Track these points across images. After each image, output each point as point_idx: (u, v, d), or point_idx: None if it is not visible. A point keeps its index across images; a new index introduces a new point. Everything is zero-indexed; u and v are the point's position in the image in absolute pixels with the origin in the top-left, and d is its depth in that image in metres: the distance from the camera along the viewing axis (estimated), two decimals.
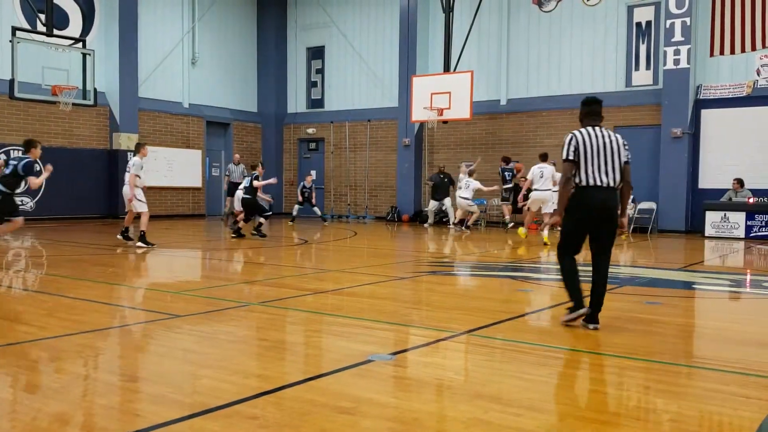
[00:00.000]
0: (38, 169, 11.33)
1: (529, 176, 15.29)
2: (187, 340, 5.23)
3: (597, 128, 5.68)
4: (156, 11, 22.08)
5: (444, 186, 19.54)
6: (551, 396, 3.86)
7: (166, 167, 22.09)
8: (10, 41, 15.96)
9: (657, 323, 6.06)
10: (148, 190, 21.29)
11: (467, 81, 18.80)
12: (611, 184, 5.58)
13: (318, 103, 25.36)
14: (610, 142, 5.62)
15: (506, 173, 18.41)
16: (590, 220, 5.61)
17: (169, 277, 9.53)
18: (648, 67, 18.72)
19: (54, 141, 19.28)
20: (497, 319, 5.99)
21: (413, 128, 22.01)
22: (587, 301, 5.70)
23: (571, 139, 5.64)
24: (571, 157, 5.58)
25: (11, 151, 17.98)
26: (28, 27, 17.69)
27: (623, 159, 5.68)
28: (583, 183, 5.56)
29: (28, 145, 10.50)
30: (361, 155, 23.99)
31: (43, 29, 16.77)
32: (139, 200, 12.32)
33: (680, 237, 16.93)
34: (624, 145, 5.72)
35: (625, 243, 15.21)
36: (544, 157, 15.24)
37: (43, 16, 16.89)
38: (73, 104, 17.13)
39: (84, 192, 19.72)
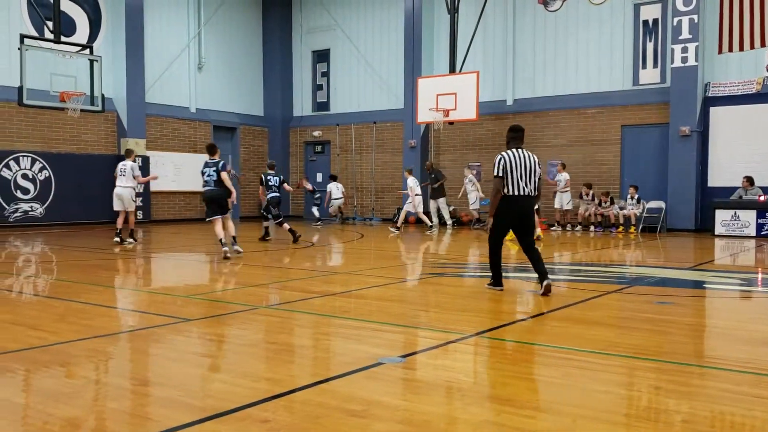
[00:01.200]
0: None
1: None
2: (197, 344, 5.24)
3: (520, 150, 7.50)
4: (162, 17, 22.17)
5: (435, 184, 19.38)
6: (563, 397, 3.84)
7: (174, 172, 22.18)
8: (19, 49, 16.07)
9: (668, 323, 6.03)
10: (156, 195, 21.61)
11: (473, 82, 18.79)
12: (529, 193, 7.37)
13: (324, 106, 25.39)
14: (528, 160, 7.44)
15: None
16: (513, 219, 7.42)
17: (178, 281, 9.55)
18: (655, 66, 18.66)
19: (62, 147, 19.38)
20: (507, 321, 5.98)
21: (419, 130, 22.01)
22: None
23: (500, 160, 7.38)
24: (500, 174, 7.32)
25: (21, 158, 18.08)
26: (35, 34, 17.79)
27: (537, 175, 7.45)
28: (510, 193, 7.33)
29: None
30: (366, 157, 24.00)
31: (51, 36, 16.86)
32: (133, 200, 13.99)
33: (690, 236, 16.85)
34: (537, 163, 7.52)
35: (633, 242, 15.16)
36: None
37: (50, 24, 16.97)
38: (81, 110, 17.25)
39: (92, 197, 19.78)
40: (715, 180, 17.79)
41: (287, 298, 7.52)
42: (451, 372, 4.48)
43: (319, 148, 25.38)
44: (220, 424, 3.34)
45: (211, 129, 23.69)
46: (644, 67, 18.84)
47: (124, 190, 13.58)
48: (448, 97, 19.06)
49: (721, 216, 16.55)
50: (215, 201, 11.26)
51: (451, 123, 19.87)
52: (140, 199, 20.63)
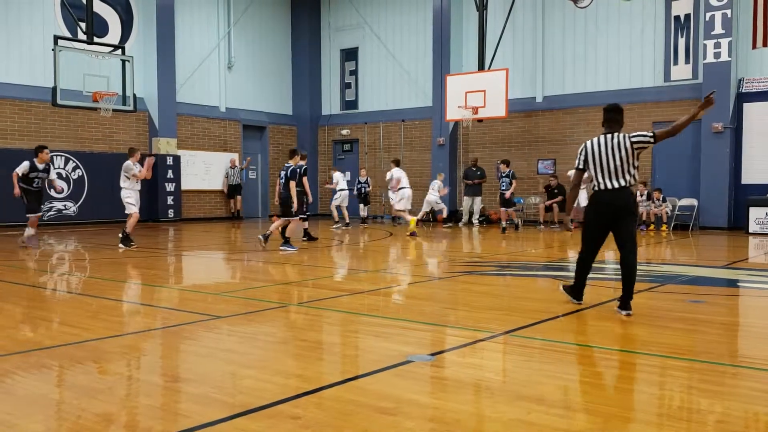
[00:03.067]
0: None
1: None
2: (228, 341, 5.29)
3: (609, 135, 6.25)
4: (192, 17, 22.39)
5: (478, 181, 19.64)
6: (594, 396, 3.81)
7: (204, 171, 22.42)
8: (53, 50, 16.35)
9: (701, 322, 5.94)
10: (186, 194, 21.84)
11: (502, 79, 18.69)
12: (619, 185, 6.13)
13: (352, 104, 25.43)
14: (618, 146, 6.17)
15: (504, 176, 17.98)
16: (603, 219, 6.23)
17: (209, 278, 9.65)
18: (687, 62, 18.38)
19: (95, 146, 19.68)
20: (536, 320, 5.94)
21: (447, 127, 21.94)
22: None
23: (581, 149, 6.38)
24: (580, 166, 6.37)
25: (54, 157, 18.40)
26: (69, 35, 18.08)
27: (631, 162, 6.16)
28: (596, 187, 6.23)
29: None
30: (395, 155, 23.99)
31: (84, 37, 17.13)
32: (128, 201, 12.38)
33: (722, 234, 16.59)
34: (632, 147, 6.17)
35: (665, 240, 14.96)
36: None
37: (83, 25, 17.24)
38: (114, 110, 17.49)
39: (119, 199, 20.06)
40: (749, 177, 17.47)
41: (316, 295, 7.55)
42: (480, 370, 4.46)
43: (347, 147, 25.44)
44: (251, 421, 3.37)
45: (241, 128, 23.88)
46: (676, 63, 18.57)
47: (120, 191, 12.46)
48: (477, 95, 18.97)
49: (756, 214, 16.25)
50: (282, 202, 12.37)
51: (480, 121, 19.78)
52: (171, 198, 20.90)
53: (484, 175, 19.68)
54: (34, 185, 12.34)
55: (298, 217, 12.34)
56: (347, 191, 18.81)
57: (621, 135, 6.22)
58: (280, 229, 12.46)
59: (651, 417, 3.52)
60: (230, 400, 3.72)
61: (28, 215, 12.42)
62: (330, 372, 4.44)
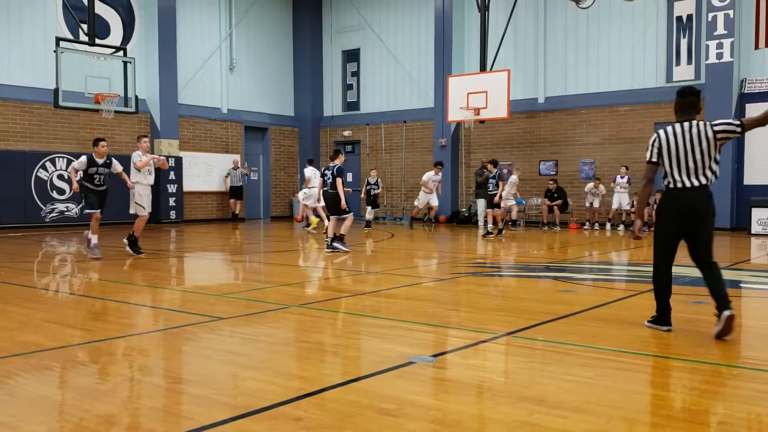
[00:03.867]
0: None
1: None
2: (230, 342, 5.29)
3: (687, 124, 5.35)
4: (194, 19, 22.42)
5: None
6: (596, 398, 3.80)
7: (206, 172, 22.44)
8: (54, 51, 16.37)
9: (703, 323, 5.93)
10: (188, 195, 21.85)
11: (504, 80, 18.68)
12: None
13: (354, 105, 25.45)
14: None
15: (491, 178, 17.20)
16: (679, 222, 5.37)
17: (210, 280, 9.64)
18: (689, 62, 18.37)
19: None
20: (539, 321, 5.93)
21: (449, 128, 21.95)
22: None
23: (654, 140, 5.49)
24: (653, 159, 5.45)
25: (56, 159, 18.41)
26: (71, 37, 18.11)
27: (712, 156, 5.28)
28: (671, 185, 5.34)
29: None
30: (397, 157, 24.00)
31: (86, 39, 17.14)
32: (135, 201, 11.38)
33: (725, 234, 16.55)
34: (714, 137, 5.27)
35: None
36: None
37: (85, 26, 17.26)
38: (115, 112, 17.50)
39: (127, 197, 20.07)
40: (751, 178, 17.45)
41: (318, 297, 7.55)
42: (482, 372, 4.46)
43: (349, 148, 25.44)
44: (253, 422, 3.37)
45: (243, 129, 23.91)
46: (678, 63, 18.56)
47: (130, 192, 11.40)
48: (479, 96, 18.98)
49: (758, 214, 16.23)
50: (330, 201, 12.46)
51: (482, 122, 19.78)
52: (173, 199, 20.91)
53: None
54: (96, 182, 11.01)
55: (350, 214, 12.41)
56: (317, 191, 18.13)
57: (701, 123, 5.32)
58: (333, 227, 12.36)
59: (653, 418, 3.51)
60: (232, 402, 3.72)
61: (88, 212, 11.23)
62: (332, 373, 4.44)
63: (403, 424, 3.35)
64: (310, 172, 17.25)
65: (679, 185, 5.27)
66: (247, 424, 3.35)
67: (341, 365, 4.73)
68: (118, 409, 3.62)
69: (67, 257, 12.10)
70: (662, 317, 5.53)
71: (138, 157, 11.26)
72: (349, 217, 12.34)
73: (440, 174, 18.42)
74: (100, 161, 11.03)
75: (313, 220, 16.92)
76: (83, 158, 11.01)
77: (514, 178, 18.75)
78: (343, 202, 12.19)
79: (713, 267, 5.33)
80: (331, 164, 12.66)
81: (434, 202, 18.29)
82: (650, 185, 5.58)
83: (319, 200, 15.59)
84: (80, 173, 11.04)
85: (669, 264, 5.50)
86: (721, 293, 5.19)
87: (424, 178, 18.14)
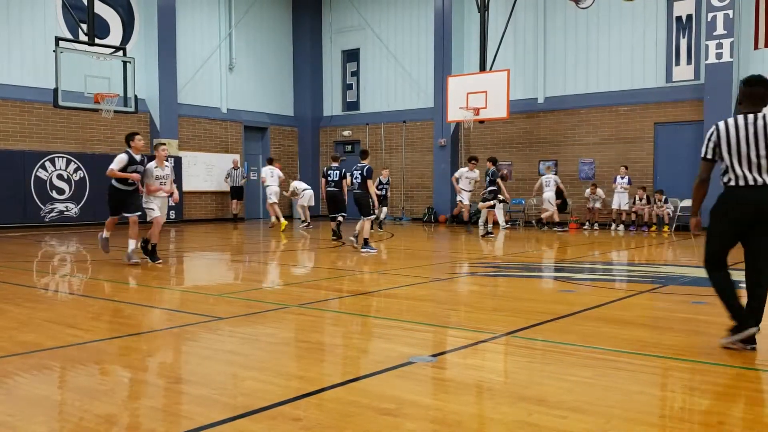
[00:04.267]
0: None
1: None
2: (229, 342, 5.28)
3: (751, 117, 4.78)
4: (193, 18, 22.42)
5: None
6: (596, 398, 3.80)
7: (206, 172, 22.44)
8: (54, 51, 16.36)
9: (703, 323, 5.93)
10: (188, 195, 21.84)
11: (504, 80, 18.69)
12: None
13: (353, 105, 25.45)
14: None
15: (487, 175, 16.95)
16: (738, 224, 4.88)
17: (210, 280, 9.64)
18: (689, 62, 18.37)
19: (97, 147, 19.69)
20: (538, 321, 5.93)
21: (449, 128, 21.95)
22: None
23: (711, 133, 4.95)
24: (708, 155, 4.99)
25: (56, 159, 18.40)
26: (70, 37, 18.10)
27: None
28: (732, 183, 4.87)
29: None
30: (396, 156, 24.01)
31: (85, 39, 17.14)
32: (150, 207, 10.56)
33: None
34: None
35: (667, 241, 14.94)
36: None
37: (84, 26, 17.26)
38: (115, 111, 17.50)
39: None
40: None
41: (318, 297, 7.54)
42: (482, 372, 4.46)
43: (348, 148, 25.44)
44: (253, 422, 3.37)
45: (242, 129, 23.91)
46: (677, 63, 18.56)
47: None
48: (479, 96, 18.98)
49: None
50: (357, 202, 12.63)
51: (481, 122, 19.78)
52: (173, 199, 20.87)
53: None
54: (129, 181, 9.97)
55: (374, 216, 12.76)
56: (276, 188, 18.44)
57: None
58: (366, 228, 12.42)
59: (653, 418, 3.51)
60: (231, 402, 3.72)
61: (125, 215, 10.25)
62: (331, 373, 4.44)
63: (403, 423, 3.35)
64: (266, 171, 18.21)
65: (741, 183, 4.80)
66: (246, 424, 3.35)
67: (341, 365, 4.73)
68: (118, 409, 3.62)
69: (67, 257, 12.09)
70: (740, 322, 4.82)
71: (152, 169, 10.21)
72: (369, 219, 12.48)
73: (476, 170, 17.37)
74: (138, 158, 10.02)
75: (283, 222, 17.65)
76: (123, 156, 9.86)
77: (465, 170, 17.55)
78: (375, 202, 12.56)
79: (763, 285, 4.76)
80: (360, 164, 12.95)
81: (466, 201, 17.47)
82: (704, 185, 5.16)
83: (321, 199, 15.78)
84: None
85: (722, 266, 4.94)
86: (757, 306, 4.79)
87: (457, 174, 17.44)
